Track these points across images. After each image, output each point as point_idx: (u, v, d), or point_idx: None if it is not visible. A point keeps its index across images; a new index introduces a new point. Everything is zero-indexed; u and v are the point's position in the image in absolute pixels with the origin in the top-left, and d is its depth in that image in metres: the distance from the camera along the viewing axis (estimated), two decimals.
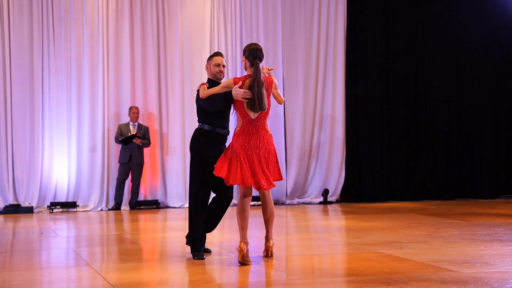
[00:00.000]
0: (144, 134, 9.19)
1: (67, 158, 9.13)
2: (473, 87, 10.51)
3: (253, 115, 4.57)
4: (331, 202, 9.77)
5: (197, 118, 4.87)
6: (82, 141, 9.20)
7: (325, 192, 9.76)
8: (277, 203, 9.72)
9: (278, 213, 8.54)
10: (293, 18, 9.94)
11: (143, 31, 9.44)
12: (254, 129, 4.56)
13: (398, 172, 10.23)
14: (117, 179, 9.10)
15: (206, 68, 4.96)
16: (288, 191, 9.81)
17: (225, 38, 9.68)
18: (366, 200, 9.99)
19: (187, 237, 4.94)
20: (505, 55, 10.56)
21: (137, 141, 9.03)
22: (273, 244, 4.79)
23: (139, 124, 9.23)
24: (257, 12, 9.81)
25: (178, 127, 9.51)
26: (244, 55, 4.62)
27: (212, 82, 4.88)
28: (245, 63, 4.63)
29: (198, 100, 4.73)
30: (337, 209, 9.01)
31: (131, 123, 9.20)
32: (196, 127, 4.84)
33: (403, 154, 10.27)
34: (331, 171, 9.92)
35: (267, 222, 4.75)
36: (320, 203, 9.73)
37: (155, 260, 5.01)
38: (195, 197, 4.72)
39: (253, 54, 4.58)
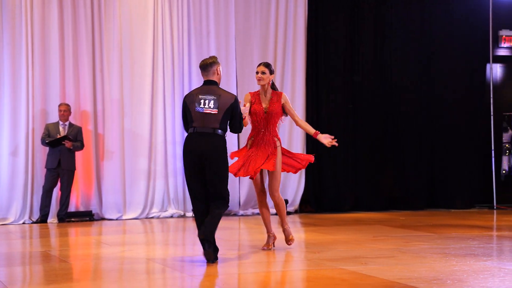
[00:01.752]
0: (76, 136, 9.04)
1: None
2: (447, 87, 10.76)
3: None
4: (289, 213, 9.82)
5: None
6: (1, 143, 8.96)
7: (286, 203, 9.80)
8: (229, 214, 9.73)
9: (230, 225, 8.54)
10: (248, 8, 9.97)
11: (74, 16, 9.28)
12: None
13: (364, 179, 10.38)
14: (44, 187, 8.91)
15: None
16: (241, 200, 9.82)
17: (170, 26, 9.61)
18: (329, 211, 10.10)
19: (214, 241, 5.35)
20: (481, 52, 10.86)
21: (67, 143, 8.87)
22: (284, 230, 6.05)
23: (70, 124, 9.08)
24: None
25: (116, 128, 9.40)
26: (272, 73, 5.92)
27: None
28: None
29: (237, 111, 5.45)
30: (296, 221, 9.07)
31: (60, 123, 9.04)
32: (216, 133, 5.36)
33: (369, 160, 10.43)
34: (289, 178, 9.98)
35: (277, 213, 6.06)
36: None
37: (87, 280, 4.93)
38: (227, 198, 5.48)
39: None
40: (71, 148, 8.93)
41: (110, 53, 9.41)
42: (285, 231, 6.08)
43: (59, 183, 8.97)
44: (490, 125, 10.75)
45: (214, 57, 5.52)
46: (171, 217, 9.49)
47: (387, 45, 10.56)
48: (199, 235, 5.26)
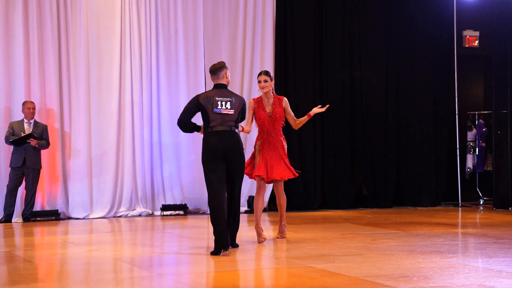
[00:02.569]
0: (41, 134, 8.91)
1: None
2: (413, 87, 10.89)
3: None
4: None
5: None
6: None
7: (251, 200, 9.82)
8: (197, 212, 9.70)
9: (199, 223, 8.51)
10: (216, 5, 9.93)
11: (39, 12, 9.14)
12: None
13: (332, 178, 10.45)
14: (8, 186, 8.77)
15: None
16: None
17: (138, 24, 9.53)
18: (297, 209, 10.14)
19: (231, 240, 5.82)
20: (446, 52, 11.00)
21: (32, 142, 8.74)
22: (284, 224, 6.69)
23: (35, 122, 8.95)
24: None
25: (83, 126, 9.29)
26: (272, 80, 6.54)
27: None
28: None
29: (245, 113, 6.00)
30: (264, 219, 9.08)
31: (25, 121, 8.90)
32: (233, 130, 5.86)
33: (337, 158, 10.50)
34: None
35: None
36: (246, 212, 9.79)
37: (53, 280, 4.86)
38: (239, 194, 5.93)
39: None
40: (37, 146, 8.80)
41: (77, 50, 9.29)
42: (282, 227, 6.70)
43: (24, 182, 8.84)
44: (455, 124, 10.92)
45: (223, 62, 6.01)
46: (139, 216, 9.42)
47: (354, 45, 10.63)
48: (227, 247, 5.64)
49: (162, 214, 9.46)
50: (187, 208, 9.61)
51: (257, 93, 10.08)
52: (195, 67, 9.80)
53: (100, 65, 9.39)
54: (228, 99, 5.86)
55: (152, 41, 9.60)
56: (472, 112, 11.14)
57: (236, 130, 5.87)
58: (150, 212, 9.53)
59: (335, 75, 10.57)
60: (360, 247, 6.03)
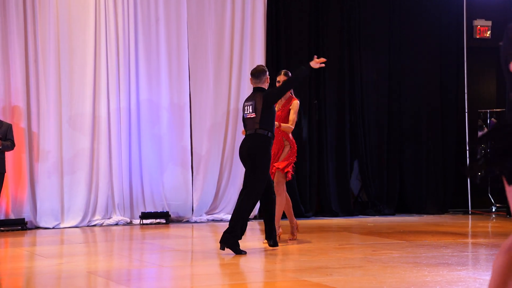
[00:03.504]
0: (5, 134, 8.89)
1: None
2: (418, 82, 10.91)
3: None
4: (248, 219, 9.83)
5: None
6: None
7: None
8: (180, 220, 9.70)
9: (183, 233, 8.51)
10: None
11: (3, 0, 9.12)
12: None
13: (329, 183, 10.47)
14: None
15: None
16: (195, 205, 9.80)
17: (114, 12, 9.52)
18: None
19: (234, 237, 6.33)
20: (455, 44, 11.04)
21: None
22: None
23: None
24: None
25: (53, 126, 9.28)
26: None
27: None
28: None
29: (267, 98, 6.55)
30: (254, 228, 9.10)
31: None
32: (257, 133, 6.51)
33: (335, 161, 10.52)
34: None
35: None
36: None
37: None
38: (249, 196, 6.44)
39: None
40: (0, 147, 8.78)
41: (46, 40, 9.26)
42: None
43: None
44: (464, 123, 10.96)
45: (264, 66, 6.85)
46: (116, 224, 9.40)
47: (354, 37, 10.64)
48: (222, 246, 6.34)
49: (141, 222, 9.45)
50: (169, 216, 9.60)
51: (246, 90, 10.13)
52: (178, 61, 9.79)
53: (72, 58, 9.36)
54: (250, 102, 6.59)
55: (130, 31, 9.58)
56: (483, 110, 11.19)
57: (260, 131, 6.44)
58: (128, 220, 9.52)
59: (332, 70, 10.58)
60: (360, 258, 6.06)
